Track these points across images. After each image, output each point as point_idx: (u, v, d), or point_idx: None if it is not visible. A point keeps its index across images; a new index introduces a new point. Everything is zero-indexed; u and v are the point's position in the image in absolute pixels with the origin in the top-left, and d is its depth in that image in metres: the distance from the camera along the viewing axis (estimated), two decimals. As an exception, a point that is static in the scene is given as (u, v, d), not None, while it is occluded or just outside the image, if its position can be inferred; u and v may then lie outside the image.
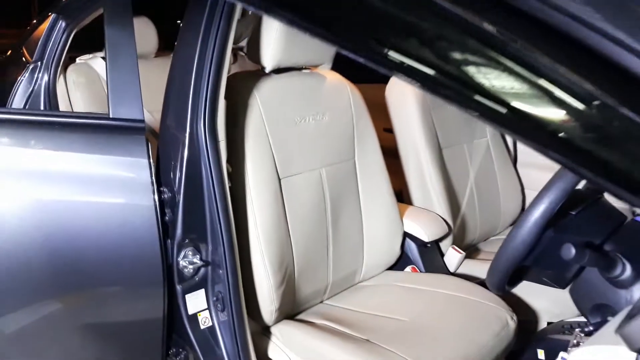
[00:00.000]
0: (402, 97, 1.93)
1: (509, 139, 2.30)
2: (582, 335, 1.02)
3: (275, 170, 1.45)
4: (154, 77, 1.76)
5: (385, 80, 2.04)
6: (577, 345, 1.02)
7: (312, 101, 1.57)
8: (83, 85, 2.32)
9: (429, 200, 1.92)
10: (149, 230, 1.26)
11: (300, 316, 1.57)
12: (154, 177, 1.26)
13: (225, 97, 1.28)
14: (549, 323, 1.75)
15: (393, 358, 1.27)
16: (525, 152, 2.34)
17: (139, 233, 1.26)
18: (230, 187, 1.32)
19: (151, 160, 1.26)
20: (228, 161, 1.33)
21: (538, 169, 2.30)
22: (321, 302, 1.65)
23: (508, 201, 2.22)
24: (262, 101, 1.44)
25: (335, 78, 1.67)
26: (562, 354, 1.04)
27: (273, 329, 1.48)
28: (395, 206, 1.74)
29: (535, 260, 1.04)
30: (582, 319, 1.63)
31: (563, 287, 1.10)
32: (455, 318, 1.45)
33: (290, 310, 1.53)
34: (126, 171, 1.25)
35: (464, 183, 2.06)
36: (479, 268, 1.88)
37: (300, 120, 1.53)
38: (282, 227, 1.45)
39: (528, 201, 2.33)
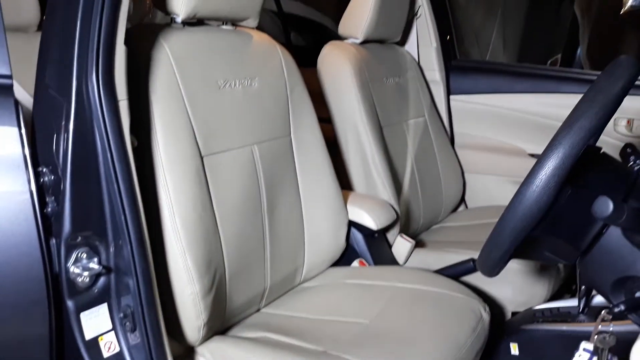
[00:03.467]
0: (337, 68, 1.68)
1: (445, 119, 2.13)
2: (610, 318, 0.80)
3: (196, 144, 1.14)
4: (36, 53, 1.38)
5: (312, 64, 1.78)
6: (607, 333, 0.80)
7: (237, 62, 1.27)
8: None
9: (372, 184, 1.68)
10: (24, 226, 0.92)
11: (234, 331, 1.26)
12: (28, 153, 0.92)
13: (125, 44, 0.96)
14: (513, 313, 1.57)
15: (362, 371, 0.99)
16: (461, 134, 2.18)
17: (10, 230, 0.91)
18: (136, 167, 0.99)
19: (23, 131, 0.92)
20: (132, 132, 1.00)
21: (475, 151, 2.15)
22: (258, 310, 1.35)
23: (449, 186, 2.03)
24: (174, 56, 1.13)
25: (263, 38, 1.38)
26: (583, 343, 0.82)
27: (201, 349, 1.16)
28: (338, 190, 1.48)
29: (545, 227, 0.81)
30: (553, 305, 1.47)
31: (572, 262, 0.89)
32: (425, 315, 1.21)
33: (221, 325, 1.22)
34: (-15, 145, 0.90)
35: (406, 166, 1.85)
36: (430, 258, 1.67)
37: (224, 83, 1.22)
38: (207, 218, 1.14)
39: (469, 185, 2.16)
